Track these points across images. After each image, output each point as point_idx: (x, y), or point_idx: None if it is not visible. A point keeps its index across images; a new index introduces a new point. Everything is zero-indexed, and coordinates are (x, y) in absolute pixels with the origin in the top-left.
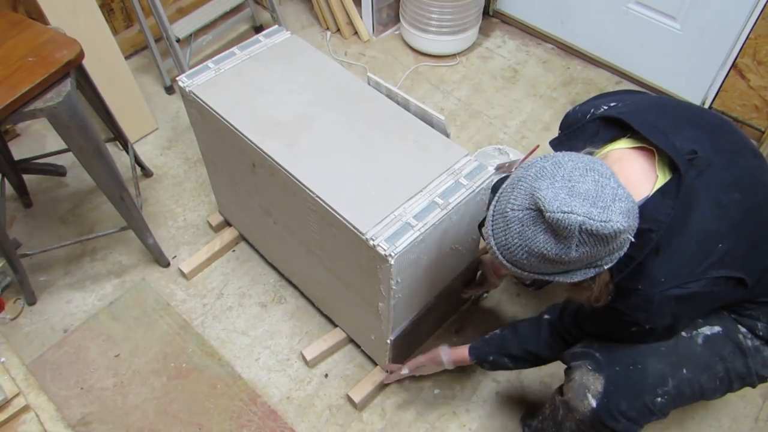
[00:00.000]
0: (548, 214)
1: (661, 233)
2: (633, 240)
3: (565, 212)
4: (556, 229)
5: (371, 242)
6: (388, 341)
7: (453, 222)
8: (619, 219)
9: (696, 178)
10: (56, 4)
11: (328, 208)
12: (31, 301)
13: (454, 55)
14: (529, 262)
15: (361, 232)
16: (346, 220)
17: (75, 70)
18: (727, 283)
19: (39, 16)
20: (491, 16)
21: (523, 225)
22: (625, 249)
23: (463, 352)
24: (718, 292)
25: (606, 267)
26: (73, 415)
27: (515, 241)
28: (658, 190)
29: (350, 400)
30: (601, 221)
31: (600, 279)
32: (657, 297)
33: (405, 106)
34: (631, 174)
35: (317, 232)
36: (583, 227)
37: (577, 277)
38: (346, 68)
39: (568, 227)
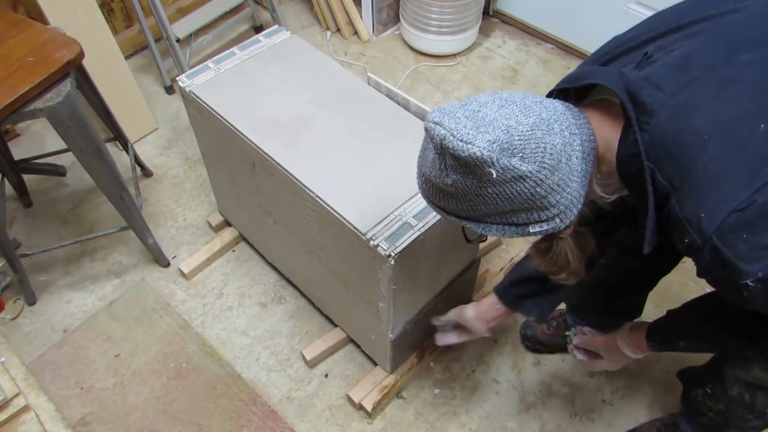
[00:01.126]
0: (424, 123)
1: (648, 166)
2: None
3: (435, 123)
4: (430, 142)
5: (371, 242)
6: (389, 341)
7: (453, 222)
8: (483, 145)
9: (666, 77)
10: (56, 4)
11: (328, 208)
12: (31, 301)
13: (454, 55)
14: (425, 189)
15: (361, 232)
16: (346, 220)
17: (75, 70)
18: None
19: (39, 16)
20: (491, 16)
21: (424, 141)
22: (544, 209)
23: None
24: None
25: (532, 231)
26: (73, 415)
27: (418, 162)
28: (623, 132)
29: (350, 400)
30: (461, 140)
31: (559, 246)
32: (716, 238)
33: (405, 106)
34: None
35: (317, 232)
36: (444, 143)
37: (492, 232)
38: (346, 68)
39: (433, 139)
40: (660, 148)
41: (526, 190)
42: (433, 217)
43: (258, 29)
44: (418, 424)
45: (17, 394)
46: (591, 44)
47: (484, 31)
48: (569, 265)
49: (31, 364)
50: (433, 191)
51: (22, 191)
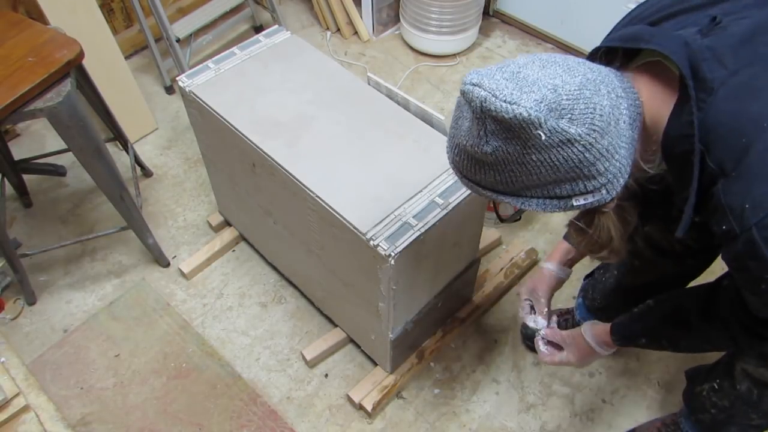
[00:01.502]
0: (461, 86)
1: (699, 148)
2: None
3: (473, 84)
4: (467, 107)
5: (371, 242)
6: (389, 341)
7: (453, 222)
8: (530, 105)
9: (732, 50)
10: (56, 4)
11: (328, 208)
12: (31, 301)
13: (454, 55)
14: (458, 162)
15: (361, 232)
16: (346, 220)
17: (75, 70)
18: None
19: (39, 16)
20: (491, 16)
21: (457, 110)
22: (591, 178)
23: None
24: None
25: (575, 204)
26: (73, 415)
27: (450, 133)
28: (676, 107)
29: (350, 400)
30: (504, 100)
31: (601, 221)
32: (756, 231)
33: (405, 106)
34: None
35: (317, 232)
36: (486, 105)
37: (531, 206)
38: (346, 68)
39: (471, 102)
40: (713, 129)
41: (574, 156)
42: (433, 217)
43: (258, 29)
44: (418, 424)
45: (17, 394)
46: (591, 44)
47: (484, 31)
48: (611, 242)
49: (31, 364)
50: (467, 164)
51: (22, 191)
